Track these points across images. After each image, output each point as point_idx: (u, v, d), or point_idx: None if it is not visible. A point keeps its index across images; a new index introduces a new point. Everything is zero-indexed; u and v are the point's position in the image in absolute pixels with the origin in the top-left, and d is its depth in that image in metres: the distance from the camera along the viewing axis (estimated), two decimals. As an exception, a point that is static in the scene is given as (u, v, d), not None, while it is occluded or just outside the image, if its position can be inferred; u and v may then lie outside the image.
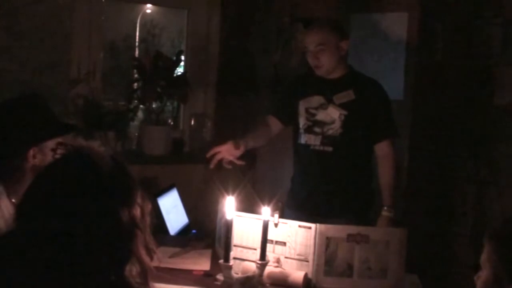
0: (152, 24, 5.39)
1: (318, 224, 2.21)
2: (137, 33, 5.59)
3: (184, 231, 3.33)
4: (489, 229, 1.53)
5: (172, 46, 4.98)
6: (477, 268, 1.55)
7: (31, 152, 1.94)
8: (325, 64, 2.80)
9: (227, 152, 2.68)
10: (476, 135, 3.64)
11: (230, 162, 2.70)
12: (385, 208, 2.78)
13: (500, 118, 3.57)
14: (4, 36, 3.32)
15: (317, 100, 2.86)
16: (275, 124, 2.97)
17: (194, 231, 3.43)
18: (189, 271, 2.28)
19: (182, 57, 3.85)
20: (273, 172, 3.86)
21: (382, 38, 3.90)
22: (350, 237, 2.20)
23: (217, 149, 2.69)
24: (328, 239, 2.20)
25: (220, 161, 2.69)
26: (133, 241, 1.28)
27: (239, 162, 2.71)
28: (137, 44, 5.51)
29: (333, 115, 2.81)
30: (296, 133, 2.92)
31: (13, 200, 1.91)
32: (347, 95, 2.82)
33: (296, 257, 2.23)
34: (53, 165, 1.34)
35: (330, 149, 2.81)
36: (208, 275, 2.27)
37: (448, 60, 3.74)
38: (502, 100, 3.60)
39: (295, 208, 2.85)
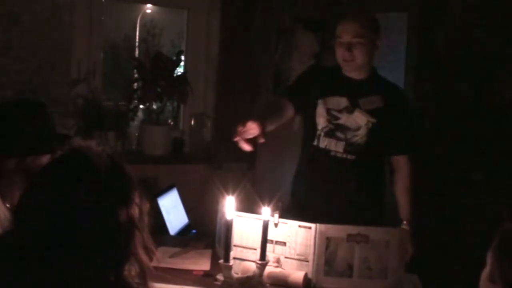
0: (152, 24, 5.40)
1: (318, 224, 2.21)
2: (137, 33, 5.60)
3: (184, 231, 3.33)
4: (500, 228, 1.53)
5: (172, 46, 4.98)
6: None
7: (12, 162, 1.89)
8: (358, 59, 2.56)
9: (251, 130, 2.39)
10: (477, 134, 3.64)
11: (245, 141, 2.38)
12: (404, 222, 2.61)
13: (501, 117, 3.57)
14: (4, 36, 3.32)
15: (339, 101, 2.63)
16: (288, 109, 2.68)
17: (194, 231, 3.43)
18: (189, 271, 2.28)
19: (182, 57, 3.85)
20: (273, 172, 3.85)
21: (382, 38, 3.90)
22: (350, 237, 2.20)
23: (242, 128, 2.37)
24: (328, 239, 2.20)
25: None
26: (132, 241, 1.28)
27: (261, 140, 2.41)
28: (137, 44, 5.52)
29: (359, 121, 2.60)
30: (311, 134, 2.69)
31: (8, 205, 1.89)
32: (375, 101, 2.62)
33: (296, 257, 2.22)
34: (50, 165, 1.34)
35: (353, 157, 2.61)
36: (208, 275, 2.26)
37: (448, 60, 3.74)
38: (503, 100, 3.60)
39: (298, 213, 2.55)
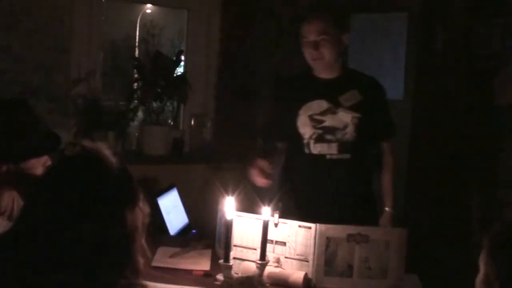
0: (152, 24, 5.40)
1: (318, 224, 2.21)
2: (137, 33, 5.60)
3: (184, 231, 3.33)
4: (489, 231, 1.54)
5: (172, 46, 4.98)
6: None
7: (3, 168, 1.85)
8: (326, 56, 2.61)
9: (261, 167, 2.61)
10: (477, 135, 3.64)
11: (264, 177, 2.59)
12: (386, 208, 2.71)
13: (501, 117, 3.57)
14: (4, 36, 3.32)
15: (319, 104, 2.65)
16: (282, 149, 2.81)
17: (194, 231, 3.43)
18: (189, 271, 2.28)
19: (182, 57, 3.85)
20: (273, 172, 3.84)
21: (382, 38, 3.91)
22: (350, 237, 2.20)
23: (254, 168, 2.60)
24: (328, 239, 2.20)
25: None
26: (133, 244, 1.28)
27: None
28: (137, 44, 5.52)
29: (344, 119, 2.62)
30: (297, 144, 2.69)
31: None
32: (354, 96, 2.65)
33: (296, 257, 2.22)
34: (59, 166, 1.34)
35: (348, 156, 2.63)
36: (208, 275, 2.27)
37: (448, 60, 3.75)
38: (503, 100, 3.60)
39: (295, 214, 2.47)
